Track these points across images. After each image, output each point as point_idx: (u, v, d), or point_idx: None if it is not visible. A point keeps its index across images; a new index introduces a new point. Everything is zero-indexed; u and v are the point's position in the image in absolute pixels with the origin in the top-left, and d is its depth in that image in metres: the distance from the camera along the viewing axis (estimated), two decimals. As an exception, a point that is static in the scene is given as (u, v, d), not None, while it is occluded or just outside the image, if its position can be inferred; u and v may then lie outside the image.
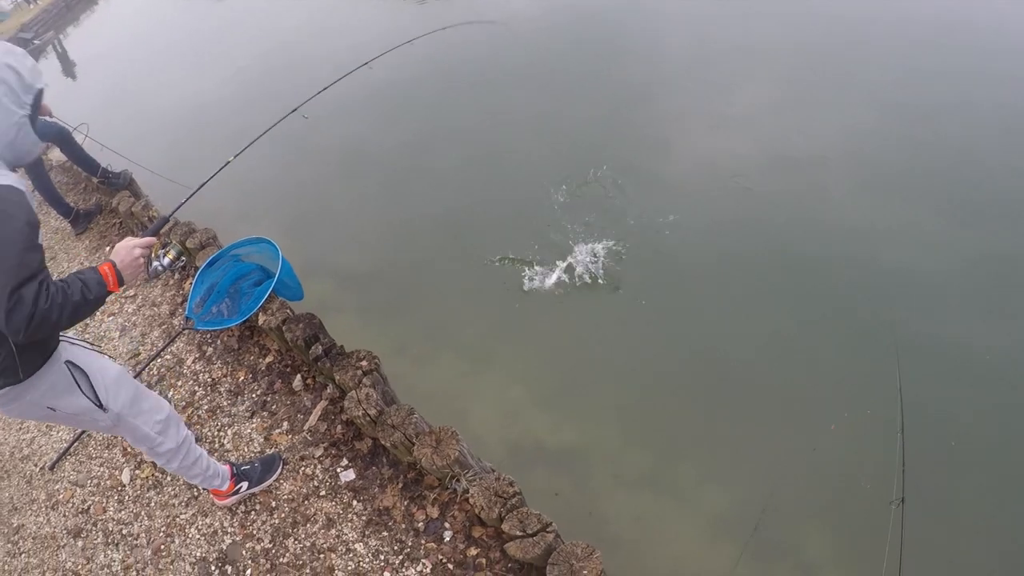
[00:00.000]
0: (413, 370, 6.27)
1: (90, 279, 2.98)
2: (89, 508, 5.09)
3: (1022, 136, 7.37)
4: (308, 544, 4.37)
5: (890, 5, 10.09)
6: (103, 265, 3.10)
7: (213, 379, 5.65)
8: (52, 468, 5.49)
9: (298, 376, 5.36)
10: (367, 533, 4.31)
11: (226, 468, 4.55)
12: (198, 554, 4.53)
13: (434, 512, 4.26)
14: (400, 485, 4.46)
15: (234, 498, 4.63)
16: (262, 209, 9.18)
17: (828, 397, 5.47)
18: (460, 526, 4.15)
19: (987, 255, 6.19)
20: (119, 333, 6.50)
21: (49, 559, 4.90)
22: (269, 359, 5.61)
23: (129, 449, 5.32)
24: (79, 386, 3.37)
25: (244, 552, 4.45)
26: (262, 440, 5.03)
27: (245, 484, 4.62)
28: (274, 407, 5.25)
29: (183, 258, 3.85)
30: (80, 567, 4.76)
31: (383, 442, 4.40)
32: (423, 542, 4.16)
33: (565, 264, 6.88)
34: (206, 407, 5.43)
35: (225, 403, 5.42)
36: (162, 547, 4.64)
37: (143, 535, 4.77)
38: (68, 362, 3.34)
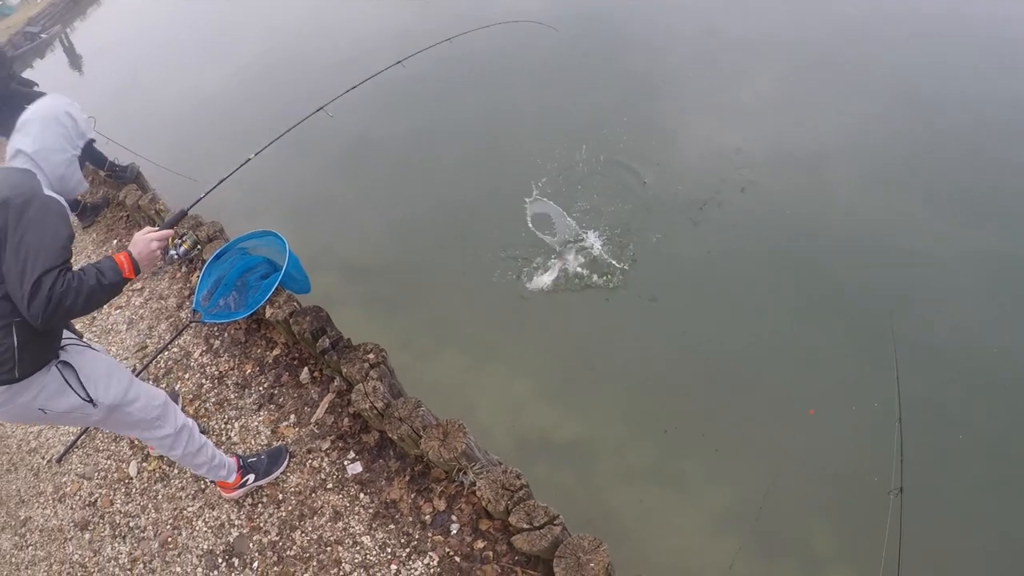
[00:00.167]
0: (420, 363, 6.26)
1: (105, 266, 3.20)
2: (96, 501, 5.10)
3: (1027, 131, 7.35)
4: (315, 537, 4.36)
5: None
6: (120, 254, 3.32)
7: (220, 372, 5.65)
8: (59, 461, 5.50)
9: (305, 369, 5.35)
10: (374, 526, 4.30)
11: (232, 460, 4.56)
12: (205, 547, 4.53)
13: (441, 505, 4.26)
14: (407, 478, 4.46)
15: (241, 491, 4.63)
16: (269, 202, 9.17)
17: (828, 390, 5.46)
18: (467, 519, 4.15)
19: (987, 249, 6.16)
20: (126, 326, 6.50)
21: (56, 551, 4.91)
22: (276, 352, 5.61)
23: (136, 442, 5.33)
24: (69, 384, 3.46)
25: (251, 545, 4.45)
26: (269, 433, 5.03)
27: (252, 476, 4.62)
28: (281, 400, 5.24)
29: (198, 247, 3.99)
30: (87, 560, 4.76)
31: (390, 435, 4.40)
32: (430, 535, 4.15)
33: (571, 258, 6.86)
34: (213, 400, 5.43)
35: (232, 396, 5.42)
36: (169, 540, 4.64)
37: (150, 528, 4.77)
38: (59, 363, 3.46)
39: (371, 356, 4.82)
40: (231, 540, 4.51)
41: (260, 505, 4.62)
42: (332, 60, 11.01)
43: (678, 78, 9.47)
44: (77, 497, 5.19)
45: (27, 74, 16.21)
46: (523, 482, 3.88)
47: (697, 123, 8.43)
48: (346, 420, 4.91)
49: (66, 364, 3.48)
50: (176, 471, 5.02)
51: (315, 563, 4.24)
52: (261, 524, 4.53)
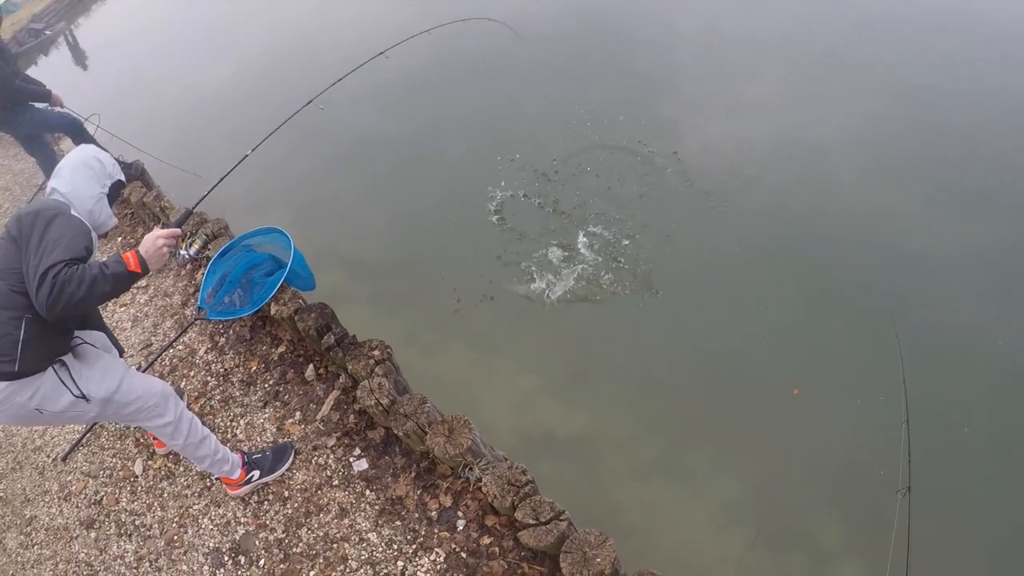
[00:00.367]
0: (425, 359, 6.26)
1: (110, 259, 3.38)
2: (102, 499, 5.10)
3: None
4: (321, 534, 4.36)
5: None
6: (128, 252, 3.49)
7: (225, 369, 5.64)
8: (64, 460, 5.50)
9: (310, 366, 5.34)
10: (380, 522, 4.29)
11: (237, 456, 4.58)
12: (211, 544, 4.53)
13: (447, 501, 4.24)
14: (413, 474, 4.45)
15: (246, 487, 4.63)
16: (273, 199, 9.17)
17: (835, 386, 5.44)
18: (473, 515, 4.14)
19: (993, 245, 6.13)
20: (131, 324, 6.50)
21: (62, 550, 4.91)
22: (281, 349, 5.60)
23: (141, 439, 5.33)
24: (63, 382, 3.60)
25: (257, 542, 4.44)
26: (275, 430, 5.02)
27: (257, 473, 4.63)
28: (287, 397, 5.23)
29: (209, 247, 4.13)
30: (93, 558, 4.76)
31: (396, 431, 4.39)
32: (436, 531, 4.14)
33: (575, 253, 6.85)
34: (218, 397, 5.42)
35: (238, 393, 5.41)
36: (175, 538, 4.64)
37: (156, 526, 4.76)
38: (56, 361, 3.62)
39: (376, 352, 4.81)
40: (237, 538, 4.50)
41: (266, 502, 4.61)
42: (335, 55, 10.99)
43: (682, 75, 9.44)
44: (83, 496, 5.19)
45: (32, 70, 16.28)
46: (529, 478, 3.87)
47: (700, 121, 8.40)
48: (352, 417, 4.89)
49: (61, 363, 3.62)
50: (182, 469, 5.02)
51: (321, 560, 4.23)
52: (267, 521, 4.52)
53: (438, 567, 3.99)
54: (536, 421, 5.60)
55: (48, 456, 5.61)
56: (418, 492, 4.35)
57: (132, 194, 7.86)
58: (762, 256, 6.50)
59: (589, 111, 8.86)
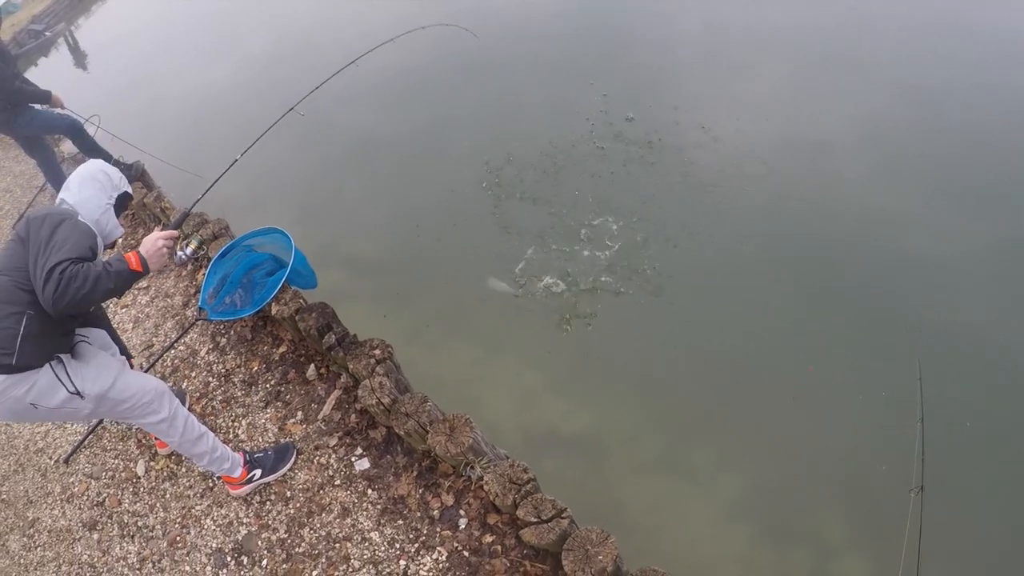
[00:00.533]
0: (427, 357, 6.26)
1: (113, 259, 3.52)
2: (104, 500, 5.10)
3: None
4: (323, 533, 4.36)
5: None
6: (129, 252, 3.63)
7: (227, 370, 5.64)
8: (67, 461, 5.50)
9: (312, 365, 5.34)
10: (382, 522, 4.29)
11: (238, 455, 4.60)
12: (214, 545, 4.53)
13: (449, 500, 4.25)
14: (415, 473, 4.45)
15: (248, 487, 4.64)
16: (274, 198, 9.18)
17: (839, 384, 5.44)
18: (475, 513, 4.14)
19: (998, 243, 6.11)
20: (132, 324, 6.51)
21: (65, 552, 4.91)
22: (283, 349, 5.60)
23: (144, 441, 5.33)
24: (58, 377, 3.67)
25: (260, 542, 4.44)
26: (276, 430, 5.02)
27: (258, 472, 4.64)
28: (288, 397, 5.24)
29: (204, 247, 4.27)
30: (96, 560, 4.77)
31: (397, 430, 4.39)
32: (438, 530, 4.14)
33: (576, 251, 6.85)
34: (220, 398, 5.42)
35: (239, 393, 5.41)
36: (178, 538, 4.64)
37: (158, 527, 4.77)
38: (54, 358, 3.70)
39: (377, 352, 4.81)
40: (240, 538, 4.51)
41: (268, 502, 4.62)
42: (336, 53, 10.98)
43: (684, 73, 9.44)
44: (85, 497, 5.19)
45: (32, 72, 16.29)
46: (530, 476, 3.87)
47: (701, 119, 8.39)
48: (353, 416, 4.89)
49: (58, 359, 3.70)
50: (184, 469, 5.02)
51: (324, 560, 4.23)
52: (270, 521, 4.52)
53: (440, 566, 3.99)
54: (539, 419, 5.60)
55: (50, 458, 5.62)
56: (420, 491, 4.35)
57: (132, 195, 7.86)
58: (765, 254, 6.50)
59: (590, 109, 8.86)
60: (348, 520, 4.37)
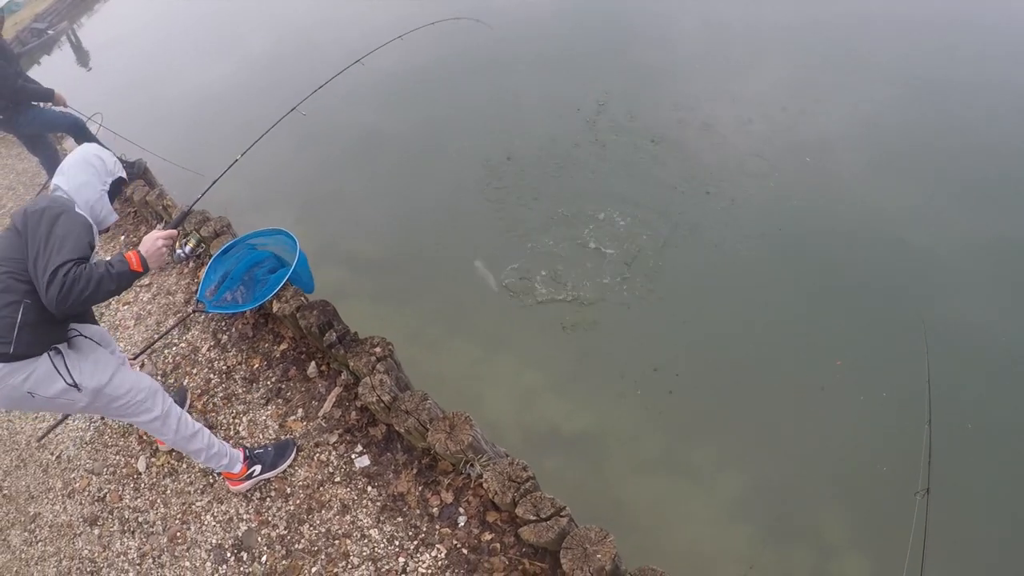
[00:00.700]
0: (428, 356, 6.27)
1: (114, 259, 3.58)
2: (105, 496, 5.12)
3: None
4: (323, 530, 4.37)
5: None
6: (129, 252, 3.68)
7: (228, 367, 5.66)
8: (40, 440, 5.55)
9: (312, 363, 5.35)
10: (382, 519, 4.31)
11: (238, 451, 4.64)
12: (214, 541, 4.54)
13: (448, 497, 4.26)
14: (414, 471, 4.46)
15: (248, 483, 4.67)
16: (276, 196, 9.19)
17: (847, 384, 5.44)
18: (474, 511, 4.15)
19: (1010, 241, 6.12)
20: (134, 321, 6.52)
21: (66, 547, 4.93)
22: (284, 346, 5.61)
23: (145, 437, 5.34)
24: (56, 368, 3.71)
25: (259, 538, 4.46)
26: (277, 427, 5.04)
27: (258, 468, 4.66)
28: (289, 394, 5.25)
29: (203, 245, 4.30)
30: (96, 555, 4.78)
31: (397, 428, 4.40)
32: (438, 527, 4.16)
33: (578, 249, 6.86)
34: (221, 395, 5.44)
35: (240, 390, 5.43)
36: (178, 534, 4.66)
37: (159, 522, 4.78)
38: (52, 348, 3.74)
39: (378, 349, 4.83)
40: (240, 534, 4.52)
41: (268, 499, 4.63)
42: (337, 55, 11.01)
43: (685, 70, 9.45)
44: (86, 493, 5.21)
45: (34, 70, 16.30)
46: (529, 474, 3.88)
47: (703, 118, 8.40)
48: (353, 414, 4.91)
49: (57, 351, 3.75)
50: (185, 465, 5.03)
51: (323, 556, 4.25)
52: (269, 518, 4.54)
53: (439, 563, 4.01)
54: (539, 418, 5.62)
55: (52, 454, 5.63)
56: (420, 488, 4.37)
57: (135, 193, 7.87)
58: (766, 253, 6.51)
59: (591, 107, 8.88)
60: (348, 517, 4.39)
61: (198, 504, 4.78)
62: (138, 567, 4.60)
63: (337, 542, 4.29)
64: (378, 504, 4.38)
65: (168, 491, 4.94)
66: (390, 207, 8.32)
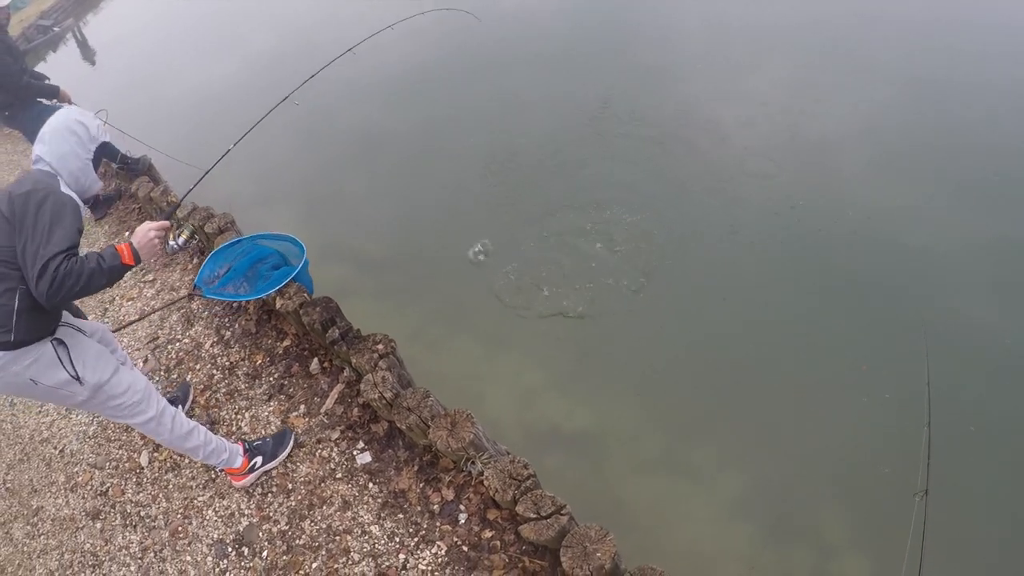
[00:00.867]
0: (430, 353, 6.28)
1: (106, 252, 3.54)
2: (107, 490, 5.13)
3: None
4: (324, 526, 4.39)
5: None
6: (121, 244, 3.62)
7: (231, 363, 5.68)
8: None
9: (315, 359, 5.37)
10: (383, 515, 4.32)
11: (237, 445, 4.67)
12: (215, 536, 4.56)
13: (449, 494, 4.27)
14: (416, 468, 4.48)
15: (251, 476, 4.70)
16: (280, 193, 9.20)
17: (848, 384, 5.44)
18: (475, 508, 4.16)
19: (1014, 241, 6.12)
20: (138, 317, 6.53)
21: (68, 540, 4.94)
22: (287, 343, 5.63)
23: (147, 431, 5.37)
24: (60, 360, 3.72)
25: (261, 534, 4.47)
26: (279, 423, 5.05)
27: (260, 459, 4.71)
28: (291, 390, 5.27)
29: (196, 237, 4.25)
30: (98, 548, 4.80)
31: (399, 425, 4.42)
32: (438, 524, 4.17)
33: (580, 248, 6.87)
34: (224, 390, 5.46)
35: (243, 386, 5.44)
36: (180, 529, 4.67)
37: (161, 517, 4.80)
38: (54, 339, 3.73)
39: (380, 347, 4.84)
40: (241, 529, 4.54)
41: (270, 494, 4.65)
42: (340, 48, 11.03)
43: (687, 69, 9.45)
44: (89, 487, 5.22)
45: (40, 67, 16.32)
46: (530, 472, 3.89)
47: (705, 116, 8.40)
48: (355, 410, 4.92)
49: (60, 342, 3.75)
50: (187, 461, 5.05)
51: (324, 552, 4.26)
52: (271, 513, 4.55)
53: (439, 560, 4.02)
54: (541, 416, 5.62)
55: (55, 448, 5.65)
56: (421, 485, 4.38)
57: (140, 189, 7.90)
58: (767, 252, 6.51)
59: (595, 106, 8.88)
60: (349, 513, 4.40)
61: (200, 499, 4.79)
62: (140, 561, 4.61)
63: (338, 538, 4.30)
64: (379, 501, 4.40)
65: (170, 486, 4.96)
66: (393, 205, 8.32)
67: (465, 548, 4.03)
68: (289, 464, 4.76)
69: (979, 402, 5.11)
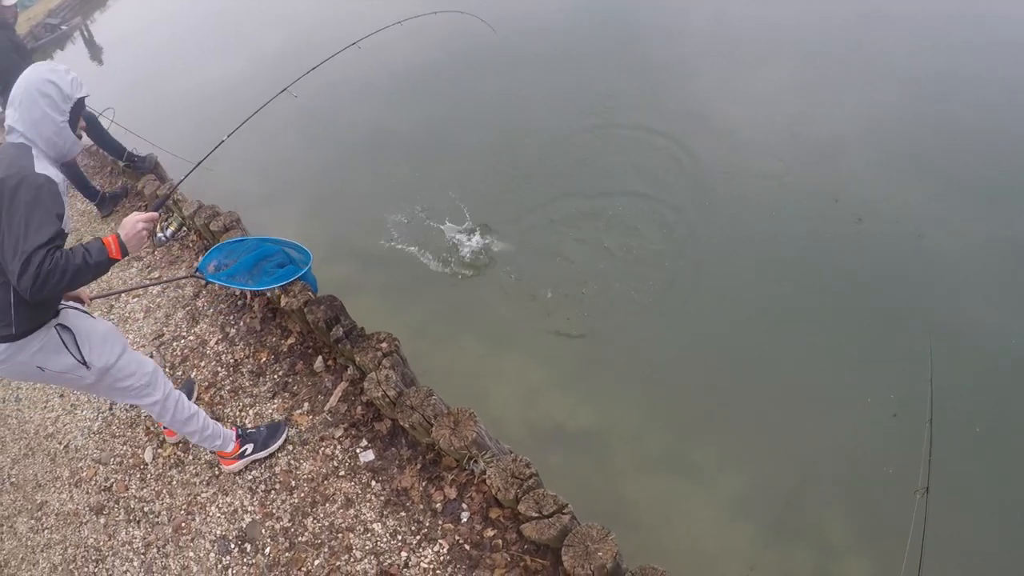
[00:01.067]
0: (434, 351, 6.29)
1: (92, 246, 3.38)
2: (111, 486, 5.16)
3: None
4: (327, 523, 4.40)
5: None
6: (108, 236, 3.48)
7: (236, 360, 5.69)
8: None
9: (319, 358, 5.39)
10: (385, 513, 4.33)
11: (231, 430, 4.73)
12: (218, 532, 4.58)
13: (452, 493, 4.28)
14: (418, 466, 4.49)
15: (241, 462, 4.78)
16: (286, 191, 9.20)
17: (850, 384, 5.44)
18: (477, 507, 4.17)
19: (1010, 239, 6.11)
20: (143, 314, 6.56)
21: (71, 535, 4.97)
22: (291, 341, 5.65)
23: (151, 428, 5.38)
24: (66, 346, 3.70)
25: (263, 530, 4.49)
26: (281, 419, 5.07)
27: (250, 447, 4.77)
28: (295, 388, 5.28)
29: (184, 228, 4.17)
30: (102, 543, 4.82)
31: (402, 423, 4.43)
32: (440, 523, 4.18)
33: (582, 247, 6.87)
34: (228, 388, 5.48)
35: (247, 384, 5.46)
36: (183, 525, 4.69)
37: (164, 513, 4.82)
38: (58, 325, 3.71)
39: (384, 345, 4.85)
40: (244, 526, 4.55)
41: (273, 491, 4.66)
42: (344, 44, 11.05)
43: (691, 67, 9.44)
44: (93, 482, 5.25)
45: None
46: (532, 471, 3.90)
47: (707, 115, 8.39)
48: (359, 408, 4.94)
49: (65, 328, 3.72)
50: (191, 457, 5.07)
51: (326, 549, 4.27)
52: (274, 510, 4.57)
53: (441, 558, 4.03)
54: (544, 414, 5.62)
55: (60, 443, 5.68)
56: (423, 484, 4.39)
57: (146, 187, 7.93)
58: (770, 252, 6.49)
59: (600, 106, 8.88)
60: (351, 511, 4.41)
61: (203, 495, 4.81)
62: (143, 556, 4.64)
63: (340, 535, 4.31)
64: (382, 499, 4.41)
65: (174, 482, 4.98)
66: (399, 203, 8.32)
67: (467, 546, 4.04)
68: (292, 462, 4.78)
69: (981, 401, 5.10)
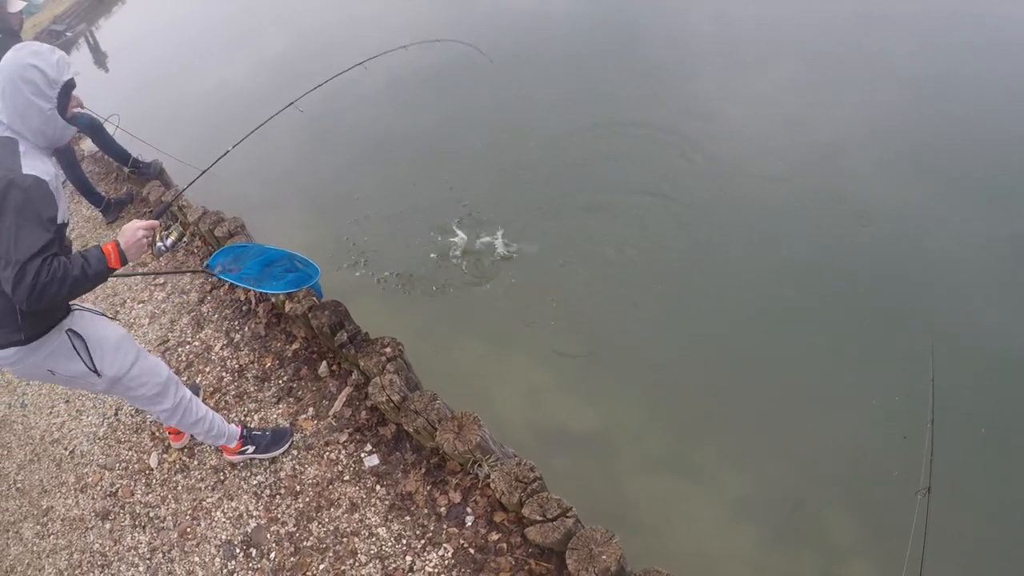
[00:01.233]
0: (438, 354, 6.29)
1: (92, 256, 3.27)
2: (117, 491, 5.17)
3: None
4: (331, 528, 4.41)
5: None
6: (107, 244, 3.37)
7: (240, 365, 5.71)
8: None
9: (324, 363, 5.40)
10: (390, 518, 4.34)
11: (236, 428, 4.78)
12: (223, 537, 4.59)
13: (456, 497, 4.29)
14: (423, 470, 4.50)
15: (240, 457, 4.84)
16: (290, 196, 9.22)
17: (852, 384, 5.43)
18: (482, 511, 4.18)
19: (1012, 239, 6.10)
20: (148, 320, 6.58)
21: (77, 540, 4.99)
22: (296, 346, 5.66)
23: (157, 433, 5.40)
24: (77, 353, 3.68)
25: (268, 535, 4.50)
26: (288, 426, 5.08)
27: (251, 448, 4.80)
28: (300, 393, 5.30)
29: (185, 238, 4.14)
30: (107, 549, 4.84)
31: (406, 428, 4.44)
32: (445, 527, 4.19)
33: (584, 246, 6.87)
34: (233, 393, 5.49)
35: (252, 389, 5.48)
36: (188, 530, 4.71)
37: (170, 518, 4.83)
38: (70, 330, 3.67)
39: (388, 350, 4.87)
40: (249, 531, 4.57)
41: (278, 496, 4.67)
42: (351, 59, 11.07)
43: (692, 68, 9.43)
44: (98, 487, 5.27)
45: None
46: (536, 474, 3.91)
47: (708, 115, 8.38)
48: (363, 413, 4.95)
49: (76, 334, 3.69)
50: (196, 462, 5.09)
51: (331, 554, 4.28)
52: (279, 515, 4.58)
53: (446, 562, 4.04)
54: (548, 417, 5.62)
55: (66, 448, 5.70)
56: (428, 488, 4.40)
57: (151, 193, 7.96)
58: (771, 252, 6.49)
59: (601, 108, 8.88)
60: (356, 515, 4.42)
61: (208, 500, 4.83)
62: (148, 561, 4.65)
63: (345, 540, 4.33)
64: (386, 503, 4.42)
65: (179, 487, 4.99)
66: (403, 207, 8.32)
67: (471, 550, 4.04)
68: (297, 466, 4.79)
69: (983, 401, 5.10)
